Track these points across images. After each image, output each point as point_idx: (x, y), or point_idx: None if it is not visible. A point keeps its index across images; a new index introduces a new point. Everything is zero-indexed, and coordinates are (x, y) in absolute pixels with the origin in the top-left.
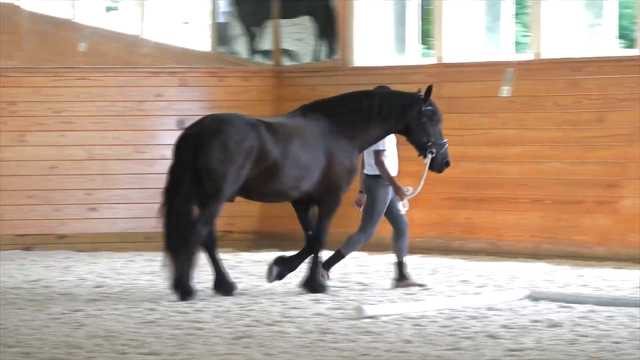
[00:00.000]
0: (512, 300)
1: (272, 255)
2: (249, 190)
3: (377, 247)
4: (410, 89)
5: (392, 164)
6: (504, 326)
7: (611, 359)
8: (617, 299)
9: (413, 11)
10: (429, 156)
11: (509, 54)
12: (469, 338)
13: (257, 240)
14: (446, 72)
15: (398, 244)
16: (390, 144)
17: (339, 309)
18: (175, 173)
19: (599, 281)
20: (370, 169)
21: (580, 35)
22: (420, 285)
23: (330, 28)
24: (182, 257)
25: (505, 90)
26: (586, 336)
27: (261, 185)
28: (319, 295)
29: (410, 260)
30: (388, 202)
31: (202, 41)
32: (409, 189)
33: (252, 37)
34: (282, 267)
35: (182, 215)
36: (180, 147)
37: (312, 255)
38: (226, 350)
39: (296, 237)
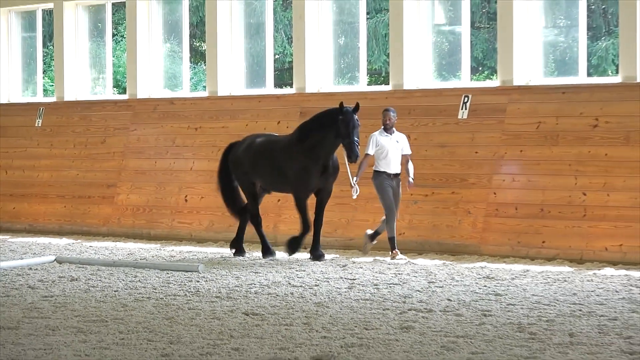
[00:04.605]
0: (45, 263)
1: None
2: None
3: None
4: None
5: (392, 161)
6: (40, 280)
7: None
8: (116, 262)
9: None
10: (345, 153)
11: (42, 98)
12: (16, 289)
13: None
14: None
15: (389, 224)
16: (388, 145)
17: None
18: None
19: (104, 250)
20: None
21: (88, 84)
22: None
23: None
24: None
25: (38, 122)
26: (95, 286)
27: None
28: None
29: None
30: (386, 186)
31: None
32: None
33: None
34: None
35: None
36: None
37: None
38: None
39: None
